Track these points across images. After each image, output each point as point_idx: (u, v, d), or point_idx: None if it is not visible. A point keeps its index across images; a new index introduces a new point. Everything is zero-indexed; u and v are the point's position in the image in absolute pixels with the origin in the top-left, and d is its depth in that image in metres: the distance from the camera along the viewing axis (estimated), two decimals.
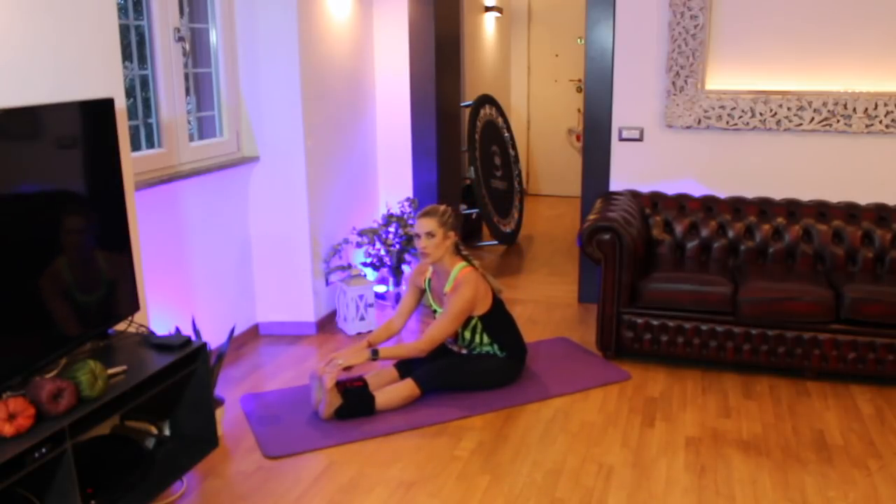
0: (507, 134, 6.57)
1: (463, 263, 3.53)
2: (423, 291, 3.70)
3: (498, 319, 3.57)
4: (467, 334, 3.56)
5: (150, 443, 2.72)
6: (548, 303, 4.86)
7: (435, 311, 3.63)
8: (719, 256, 4.16)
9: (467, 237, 6.11)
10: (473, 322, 3.53)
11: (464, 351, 3.62)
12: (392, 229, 4.60)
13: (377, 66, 4.99)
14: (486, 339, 3.55)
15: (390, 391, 3.35)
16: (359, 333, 4.33)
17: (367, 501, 2.71)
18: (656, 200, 4.33)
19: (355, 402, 3.28)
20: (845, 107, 4.07)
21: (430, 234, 3.43)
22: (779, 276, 3.81)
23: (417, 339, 3.49)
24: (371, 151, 5.03)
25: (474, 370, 3.52)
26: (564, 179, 8.28)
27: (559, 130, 8.28)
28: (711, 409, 3.39)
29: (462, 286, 3.44)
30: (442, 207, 3.53)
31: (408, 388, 3.37)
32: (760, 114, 4.20)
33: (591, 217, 3.91)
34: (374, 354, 3.34)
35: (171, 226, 3.55)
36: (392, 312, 4.68)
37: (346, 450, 3.06)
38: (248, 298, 4.23)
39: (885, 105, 4.01)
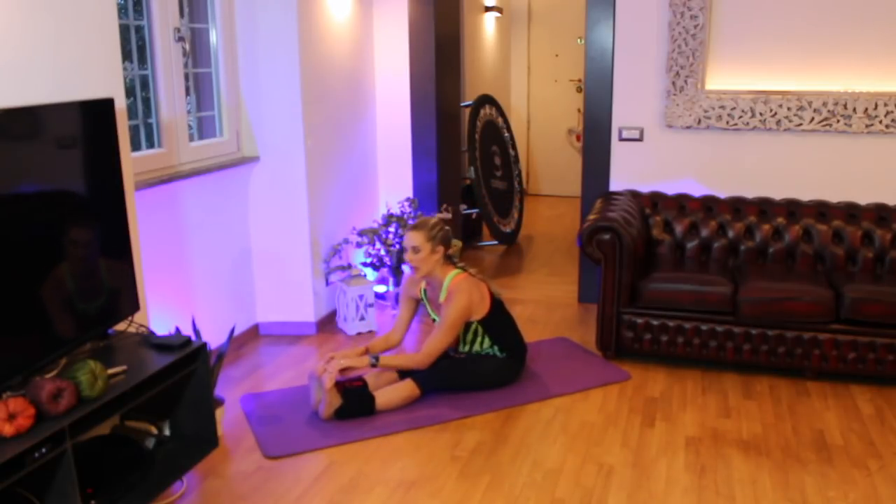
0: (507, 134, 6.57)
1: (455, 271, 3.51)
2: (418, 301, 3.70)
3: (498, 322, 3.57)
4: (469, 336, 3.56)
5: (150, 443, 2.72)
6: (548, 303, 4.86)
7: (434, 320, 3.64)
8: (719, 256, 4.16)
9: (467, 237, 6.11)
10: (473, 327, 3.53)
11: (460, 352, 3.62)
12: (392, 229, 4.59)
13: (377, 66, 4.99)
14: (486, 342, 3.56)
15: (390, 391, 3.35)
16: (359, 333, 4.33)
17: (367, 501, 2.71)
18: (656, 200, 4.33)
19: (355, 402, 3.28)
20: (845, 107, 4.07)
21: (416, 249, 3.42)
22: (779, 276, 3.81)
23: (416, 352, 3.48)
24: (371, 151, 5.03)
25: (474, 370, 3.52)
26: (564, 179, 8.28)
27: (559, 130, 8.28)
28: (711, 409, 3.39)
29: (455, 295, 3.43)
30: (433, 220, 3.49)
31: (408, 388, 3.37)
32: (760, 114, 4.20)
33: (591, 217, 3.91)
34: (375, 361, 3.37)
35: (171, 226, 3.55)
36: (392, 313, 4.69)
37: (346, 450, 3.06)
38: (248, 298, 4.23)
39: (885, 105, 4.01)
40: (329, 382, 3.19)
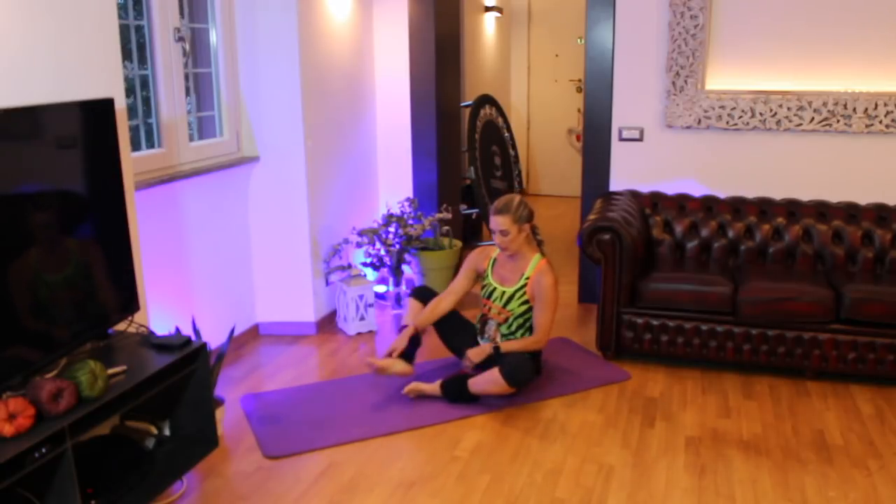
0: (507, 134, 6.57)
1: (539, 255, 3.59)
2: (479, 275, 3.72)
3: None
4: (520, 321, 3.57)
5: (150, 443, 2.72)
6: None
7: (493, 291, 3.60)
8: (719, 256, 4.16)
9: (467, 237, 6.11)
10: (529, 314, 3.56)
11: (493, 341, 3.63)
12: (392, 229, 4.59)
13: (377, 66, 4.99)
14: (526, 334, 3.58)
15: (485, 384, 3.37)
16: (359, 333, 4.33)
17: (367, 501, 2.71)
18: (656, 200, 4.33)
19: (455, 392, 3.39)
20: (845, 107, 4.07)
21: (505, 233, 3.48)
22: (779, 276, 3.81)
23: (531, 337, 3.52)
24: (371, 151, 5.03)
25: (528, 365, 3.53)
26: (564, 179, 8.28)
27: (559, 130, 8.28)
28: (711, 409, 3.39)
29: (545, 274, 3.50)
30: (516, 201, 3.50)
31: (499, 385, 3.35)
32: (760, 114, 4.20)
33: (591, 217, 3.91)
34: (497, 350, 3.46)
35: (171, 226, 3.55)
36: (393, 313, 4.68)
37: (346, 450, 3.06)
38: (248, 298, 4.23)
39: (885, 105, 4.01)
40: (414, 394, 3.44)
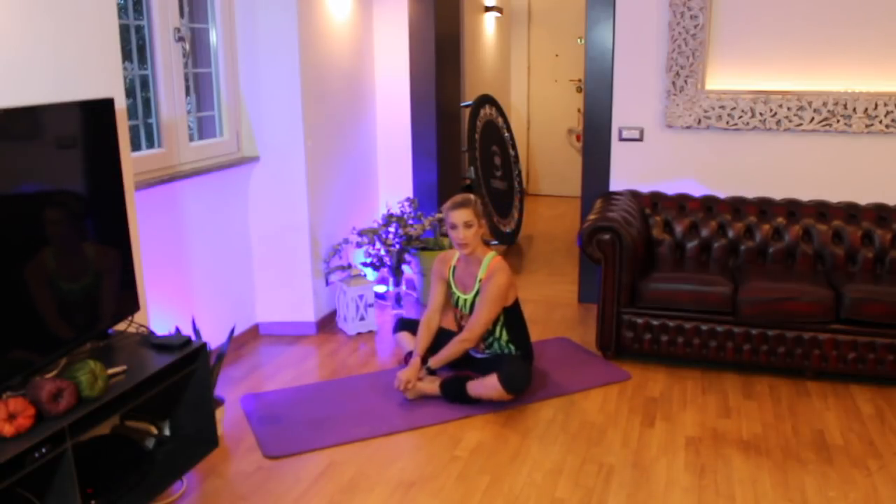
0: (507, 134, 6.57)
1: (493, 252, 3.56)
2: (447, 282, 3.70)
3: (518, 315, 3.59)
4: (490, 328, 3.55)
5: (150, 443, 2.72)
6: (548, 303, 4.86)
7: (458, 299, 3.62)
8: (719, 256, 4.16)
9: None
10: (498, 318, 3.52)
11: (485, 351, 3.61)
12: (392, 229, 4.60)
13: (377, 66, 4.99)
14: (506, 335, 3.55)
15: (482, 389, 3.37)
16: (359, 333, 4.33)
17: (367, 501, 2.72)
18: (656, 200, 4.33)
19: (453, 393, 3.40)
20: (845, 107, 4.07)
21: (469, 225, 3.44)
22: (779, 276, 3.81)
23: (458, 337, 3.50)
24: (371, 151, 5.03)
25: (526, 372, 3.50)
26: (564, 179, 8.29)
27: (559, 130, 8.28)
28: (711, 409, 3.39)
29: (497, 273, 3.45)
30: (472, 196, 3.53)
31: (497, 391, 3.35)
32: (760, 114, 4.20)
33: (591, 217, 3.91)
34: (429, 370, 3.50)
35: (171, 226, 3.55)
36: (393, 313, 4.68)
37: (346, 450, 3.06)
38: (248, 298, 4.23)
39: (885, 105, 4.01)
40: (414, 394, 3.44)
